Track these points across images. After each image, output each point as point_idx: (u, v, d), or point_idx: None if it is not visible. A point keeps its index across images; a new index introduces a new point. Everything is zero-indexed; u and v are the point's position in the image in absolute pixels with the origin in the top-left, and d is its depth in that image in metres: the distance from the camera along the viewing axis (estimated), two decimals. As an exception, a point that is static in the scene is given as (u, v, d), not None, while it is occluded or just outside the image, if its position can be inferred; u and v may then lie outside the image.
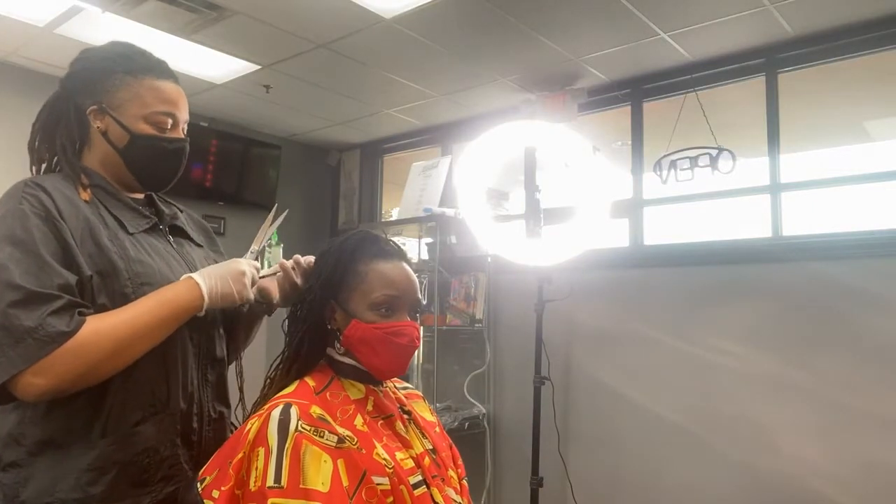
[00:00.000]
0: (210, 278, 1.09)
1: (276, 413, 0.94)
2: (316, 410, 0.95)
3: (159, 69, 1.17)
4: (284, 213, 1.34)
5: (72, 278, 1.00)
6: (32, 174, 1.18)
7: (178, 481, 1.09)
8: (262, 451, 0.91)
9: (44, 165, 1.19)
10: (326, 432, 0.93)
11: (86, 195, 1.09)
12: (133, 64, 1.15)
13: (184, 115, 1.19)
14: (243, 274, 1.11)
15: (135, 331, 1.01)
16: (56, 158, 1.18)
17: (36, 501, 1.00)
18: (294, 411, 0.94)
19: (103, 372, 1.00)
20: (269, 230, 1.30)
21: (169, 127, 1.16)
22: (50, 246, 1.00)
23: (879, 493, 2.41)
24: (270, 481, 0.88)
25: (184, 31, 2.82)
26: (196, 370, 1.15)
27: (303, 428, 0.92)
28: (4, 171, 3.18)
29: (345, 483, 0.89)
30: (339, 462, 0.91)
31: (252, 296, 1.15)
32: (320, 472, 0.89)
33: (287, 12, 2.66)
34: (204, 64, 3.15)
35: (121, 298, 1.05)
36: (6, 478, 1.01)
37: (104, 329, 0.99)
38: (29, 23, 2.80)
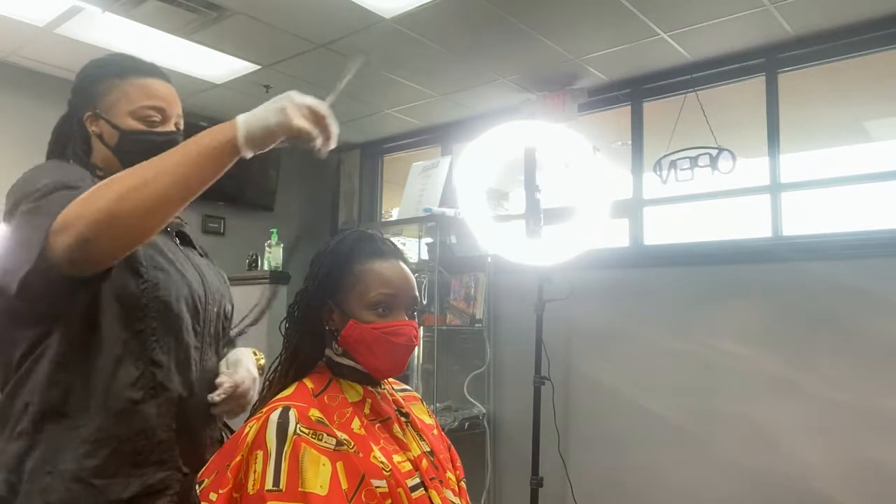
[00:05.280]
0: (249, 113, 0.98)
1: (274, 416, 0.94)
2: (314, 413, 0.95)
3: (146, 69, 1.19)
4: (361, 61, 1.18)
5: None
6: None
7: (170, 468, 1.10)
8: (260, 454, 0.91)
9: None
10: (325, 435, 0.93)
11: None
12: (120, 67, 1.18)
13: (175, 110, 1.19)
14: (283, 108, 0.97)
15: (157, 167, 0.94)
16: None
17: (37, 471, 1.01)
18: (293, 414, 0.94)
19: (124, 215, 0.91)
20: (345, 80, 1.16)
21: (158, 121, 1.17)
22: (87, 179, 1.03)
23: (879, 493, 2.41)
24: (269, 484, 0.88)
25: (184, 31, 2.82)
26: (199, 363, 1.18)
27: (301, 431, 0.92)
28: (5, 169, 3.19)
29: (344, 486, 0.89)
30: (339, 465, 0.91)
31: (304, 125, 0.98)
32: (319, 476, 0.89)
33: (287, 12, 2.66)
34: (204, 64, 3.15)
35: (133, 276, 1.08)
36: (14, 448, 1.02)
37: (120, 175, 0.94)
38: (29, 23, 2.80)
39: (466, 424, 3.27)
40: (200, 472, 0.99)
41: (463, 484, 1.14)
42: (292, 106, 0.96)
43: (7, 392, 1.06)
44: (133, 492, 1.05)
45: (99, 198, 0.91)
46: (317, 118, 0.99)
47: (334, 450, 0.92)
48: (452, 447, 1.19)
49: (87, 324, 1.05)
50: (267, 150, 0.99)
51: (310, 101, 0.99)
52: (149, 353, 1.09)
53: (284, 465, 0.89)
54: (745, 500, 2.69)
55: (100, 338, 1.06)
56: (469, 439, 3.26)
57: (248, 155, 0.97)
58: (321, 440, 0.92)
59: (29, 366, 1.04)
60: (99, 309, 1.06)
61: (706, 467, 2.79)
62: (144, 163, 0.95)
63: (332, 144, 1.02)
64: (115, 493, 1.04)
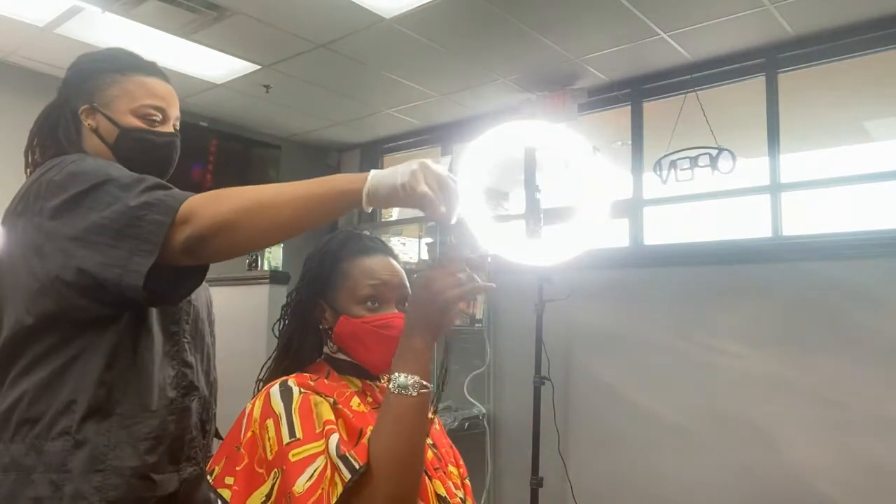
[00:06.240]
0: (383, 170, 0.98)
1: (275, 388, 0.96)
2: (309, 384, 0.97)
3: (148, 68, 1.19)
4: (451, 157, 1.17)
5: None
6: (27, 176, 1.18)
7: (194, 464, 1.14)
8: (270, 422, 0.92)
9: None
10: (324, 395, 0.96)
11: None
12: (121, 63, 1.17)
13: (174, 112, 1.19)
14: (413, 171, 0.96)
15: (282, 193, 0.96)
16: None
17: (86, 469, 1.00)
18: (292, 382, 0.96)
19: (241, 226, 0.95)
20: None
21: (158, 121, 1.16)
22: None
23: (880, 493, 2.41)
24: (286, 439, 0.89)
25: (184, 31, 2.82)
26: (211, 362, 1.24)
27: (304, 391, 0.95)
28: (6, 169, 3.19)
29: (344, 437, 0.91)
30: (339, 422, 0.93)
31: (428, 192, 0.96)
32: (331, 414, 0.92)
33: (287, 12, 2.66)
34: (204, 64, 3.15)
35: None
36: (54, 447, 1.01)
37: (246, 189, 0.97)
38: (29, 23, 2.80)
39: (466, 424, 3.27)
40: (209, 464, 0.99)
41: (467, 482, 1.15)
42: (422, 171, 0.95)
43: (31, 393, 1.03)
44: (174, 487, 1.09)
45: (223, 203, 0.95)
46: (444, 189, 0.97)
47: (333, 406, 0.94)
48: (454, 446, 1.19)
49: (139, 326, 1.07)
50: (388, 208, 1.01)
51: (442, 171, 0.98)
52: (181, 354, 1.14)
53: (296, 418, 0.91)
54: (745, 500, 2.69)
55: (150, 340, 1.09)
56: (469, 439, 3.26)
57: (368, 209, 0.98)
58: (323, 398, 0.95)
59: (63, 366, 1.03)
60: (148, 311, 1.09)
61: (706, 467, 2.79)
62: (271, 185, 0.98)
63: (453, 219, 1.01)
64: (168, 488, 1.08)
